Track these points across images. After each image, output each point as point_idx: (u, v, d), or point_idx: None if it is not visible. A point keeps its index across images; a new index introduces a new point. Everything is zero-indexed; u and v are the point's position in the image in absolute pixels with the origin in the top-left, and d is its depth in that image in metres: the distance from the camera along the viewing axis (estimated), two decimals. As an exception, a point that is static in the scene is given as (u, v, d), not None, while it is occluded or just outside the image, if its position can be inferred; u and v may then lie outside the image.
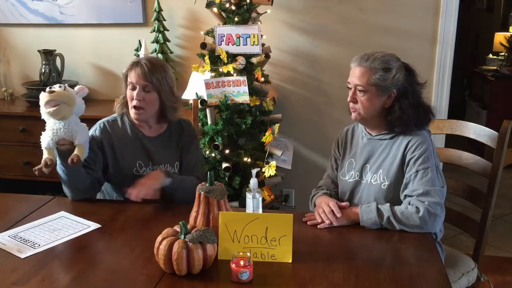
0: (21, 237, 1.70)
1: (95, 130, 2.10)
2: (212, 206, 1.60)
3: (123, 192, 1.94)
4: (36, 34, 3.51)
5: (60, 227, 1.77)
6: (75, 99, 1.89)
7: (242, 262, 1.41)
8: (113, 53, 3.44)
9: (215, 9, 2.81)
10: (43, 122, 1.92)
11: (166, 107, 2.07)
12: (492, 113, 4.91)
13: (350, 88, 1.87)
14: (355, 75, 1.84)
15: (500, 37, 5.46)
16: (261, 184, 2.67)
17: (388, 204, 1.75)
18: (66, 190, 2.01)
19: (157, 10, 3.21)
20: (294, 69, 3.26)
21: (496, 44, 5.52)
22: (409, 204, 1.75)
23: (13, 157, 3.20)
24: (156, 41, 3.26)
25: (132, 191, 1.88)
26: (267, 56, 2.83)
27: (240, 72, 2.71)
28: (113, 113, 2.17)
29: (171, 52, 3.32)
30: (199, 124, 2.77)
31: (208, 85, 2.66)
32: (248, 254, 1.44)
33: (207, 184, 1.62)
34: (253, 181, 1.68)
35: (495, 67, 5.30)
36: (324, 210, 1.78)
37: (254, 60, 2.82)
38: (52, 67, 3.34)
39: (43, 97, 1.85)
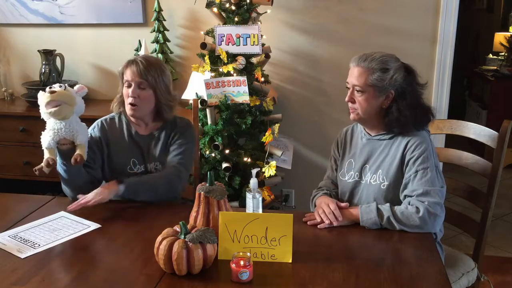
0: (21, 237, 1.70)
1: (93, 128, 2.12)
2: (212, 206, 1.60)
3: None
4: (36, 34, 3.51)
5: (60, 227, 1.77)
6: (75, 99, 1.90)
7: (242, 262, 1.41)
8: (113, 53, 3.44)
9: (215, 9, 2.81)
10: (43, 122, 1.92)
11: (162, 105, 2.07)
12: (492, 113, 4.90)
13: (348, 88, 1.87)
14: (353, 75, 1.84)
15: (500, 37, 5.47)
16: (261, 184, 2.67)
17: (388, 204, 1.75)
18: (65, 189, 2.01)
19: (157, 10, 3.21)
20: (294, 69, 3.26)
21: (496, 44, 5.52)
22: (409, 204, 1.75)
23: (13, 157, 3.20)
24: (156, 41, 3.26)
25: (81, 202, 1.85)
26: (267, 56, 2.83)
27: (240, 72, 2.71)
28: (111, 112, 2.18)
29: (171, 52, 3.32)
30: (199, 124, 2.77)
31: (208, 85, 2.66)
32: (248, 254, 1.44)
33: (207, 184, 1.62)
34: (253, 181, 1.68)
35: (495, 67, 5.30)
36: (324, 210, 1.78)
37: (254, 60, 2.82)
38: (52, 67, 3.34)
39: (44, 97, 1.85)
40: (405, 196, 1.80)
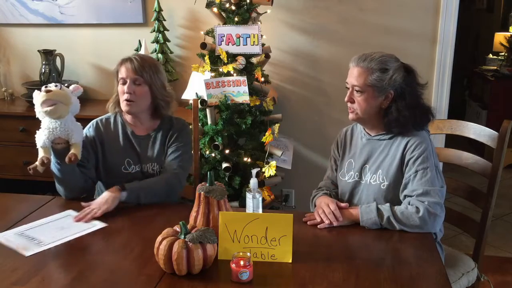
0: (27, 235, 1.70)
1: (88, 128, 2.12)
2: (212, 206, 1.60)
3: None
4: (36, 34, 3.51)
5: (67, 226, 1.78)
6: (71, 98, 1.90)
7: (242, 262, 1.41)
8: (113, 53, 3.42)
9: (215, 9, 2.81)
10: (43, 122, 1.92)
11: (159, 101, 2.07)
12: (492, 113, 4.90)
13: (348, 88, 1.87)
14: (353, 75, 1.84)
15: (500, 37, 5.47)
16: (261, 184, 2.67)
17: (388, 204, 1.75)
18: (59, 188, 2.01)
19: (157, 10, 3.21)
20: (294, 69, 3.26)
21: (496, 44, 5.52)
22: (409, 204, 1.75)
23: (13, 157, 3.20)
24: (156, 41, 3.26)
25: (88, 216, 1.82)
26: (267, 56, 2.83)
27: (240, 72, 2.71)
28: (107, 113, 2.18)
29: (171, 52, 3.32)
30: (199, 124, 2.77)
31: (208, 85, 2.66)
32: (248, 254, 1.44)
33: (207, 184, 1.62)
34: (253, 181, 1.68)
35: (495, 67, 5.30)
36: (324, 210, 1.78)
37: (254, 60, 2.82)
38: (52, 67, 3.34)
39: (40, 96, 1.85)
40: (405, 196, 1.80)
